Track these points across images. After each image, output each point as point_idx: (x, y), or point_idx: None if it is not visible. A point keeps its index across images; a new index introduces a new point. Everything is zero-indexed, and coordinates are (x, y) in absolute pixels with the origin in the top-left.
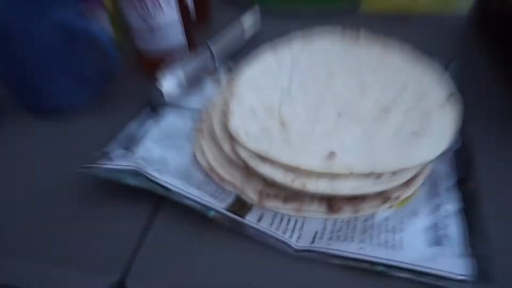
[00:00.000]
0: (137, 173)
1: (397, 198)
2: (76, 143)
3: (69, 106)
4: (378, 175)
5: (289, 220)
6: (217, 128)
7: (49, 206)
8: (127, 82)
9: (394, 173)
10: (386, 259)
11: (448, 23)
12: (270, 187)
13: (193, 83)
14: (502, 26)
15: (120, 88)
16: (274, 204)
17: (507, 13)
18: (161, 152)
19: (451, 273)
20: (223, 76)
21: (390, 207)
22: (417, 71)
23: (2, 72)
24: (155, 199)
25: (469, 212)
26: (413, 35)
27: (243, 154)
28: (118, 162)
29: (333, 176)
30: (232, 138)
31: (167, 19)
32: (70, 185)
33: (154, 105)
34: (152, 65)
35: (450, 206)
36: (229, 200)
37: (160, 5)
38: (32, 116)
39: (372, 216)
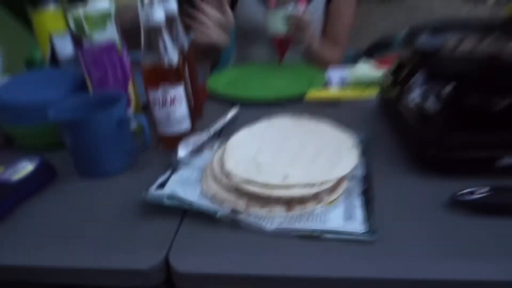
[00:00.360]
0: (171, 196)
1: (326, 200)
2: (120, 192)
3: (114, 170)
4: (312, 185)
5: (264, 218)
6: (217, 171)
7: (112, 220)
8: (151, 153)
9: (321, 183)
10: (320, 228)
11: (364, 105)
12: (252, 200)
13: (197, 151)
14: (391, 106)
15: (147, 157)
16: (255, 210)
17: (393, 99)
18: (180, 189)
19: (356, 231)
20: (216, 145)
21: (322, 206)
22: (337, 135)
23: (71, 147)
24: (181, 211)
25: (367, 206)
26: (341, 114)
27: (236, 180)
28: (157, 192)
29: (287, 186)
30: (227, 175)
31: (180, 113)
32: (121, 211)
33: (173, 165)
34: (168, 142)
35: (357, 202)
36: (227, 211)
37: (175, 104)
38: (86, 178)
39: (312, 211)
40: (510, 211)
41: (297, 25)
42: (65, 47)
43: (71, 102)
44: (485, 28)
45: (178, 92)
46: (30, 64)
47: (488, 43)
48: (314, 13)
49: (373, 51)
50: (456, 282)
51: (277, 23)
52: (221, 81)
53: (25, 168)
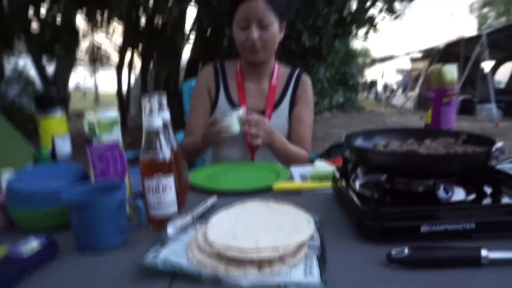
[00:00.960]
0: (164, 262)
1: (289, 262)
2: (116, 264)
3: (111, 246)
4: (278, 249)
5: (240, 277)
6: (201, 243)
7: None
8: (141, 233)
9: (285, 247)
10: (286, 281)
11: (321, 193)
12: (230, 264)
13: (182, 230)
14: (341, 193)
15: (138, 236)
16: (233, 271)
17: (342, 188)
18: (171, 257)
19: (314, 283)
20: (198, 226)
21: (287, 267)
22: (298, 213)
23: (76, 225)
24: (170, 277)
25: (321, 264)
26: (302, 200)
27: (217, 248)
28: (152, 259)
29: (258, 250)
30: (210, 245)
31: (169, 199)
32: (117, 280)
33: (163, 239)
34: (158, 223)
35: (314, 263)
36: (210, 272)
37: (166, 190)
38: (86, 253)
39: (279, 271)
40: (428, 265)
41: (248, 124)
42: (64, 147)
43: (78, 188)
44: (405, 133)
45: (169, 182)
46: (37, 159)
47: (408, 144)
48: (280, 119)
49: (330, 153)
50: None
51: (231, 124)
52: (200, 176)
53: (32, 244)
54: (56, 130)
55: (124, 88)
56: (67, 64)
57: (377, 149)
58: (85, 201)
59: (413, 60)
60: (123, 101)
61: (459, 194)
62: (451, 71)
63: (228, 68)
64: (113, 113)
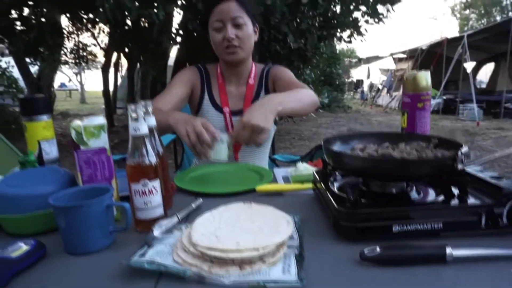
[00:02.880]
0: (150, 262)
1: (269, 262)
2: (104, 265)
3: (99, 247)
4: (257, 249)
5: (223, 275)
6: (186, 243)
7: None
8: (128, 234)
9: (264, 247)
10: (264, 279)
11: (303, 195)
12: (213, 263)
13: (167, 231)
14: (320, 195)
15: (125, 237)
16: (215, 270)
17: (321, 189)
18: (157, 258)
19: (291, 280)
20: (184, 227)
21: (266, 266)
22: (278, 214)
23: (64, 228)
24: (156, 276)
25: (299, 263)
26: (284, 201)
27: (200, 248)
28: (139, 259)
29: (239, 251)
30: (194, 245)
31: (155, 201)
32: (104, 280)
33: (149, 241)
34: (145, 225)
35: (292, 262)
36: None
37: (153, 194)
38: (74, 255)
39: (259, 269)
40: (397, 262)
41: (237, 141)
42: (51, 151)
43: (66, 192)
44: (381, 137)
45: (155, 185)
46: (24, 164)
47: (383, 147)
48: None
49: (313, 156)
50: None
51: (220, 154)
52: (186, 178)
53: (22, 248)
54: (42, 134)
55: (111, 88)
56: (51, 64)
57: (352, 154)
58: (72, 205)
59: (398, 60)
60: (110, 101)
61: (429, 195)
62: (425, 77)
63: (209, 71)
64: (100, 119)
